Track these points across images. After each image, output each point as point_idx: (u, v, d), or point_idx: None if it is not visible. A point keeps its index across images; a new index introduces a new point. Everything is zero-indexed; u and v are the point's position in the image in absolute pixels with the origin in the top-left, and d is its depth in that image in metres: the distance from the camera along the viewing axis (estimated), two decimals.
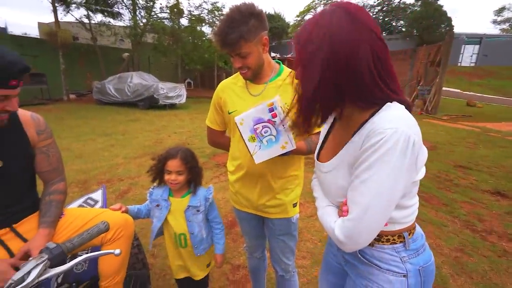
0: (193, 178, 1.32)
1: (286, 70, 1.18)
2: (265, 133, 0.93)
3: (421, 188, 3.50)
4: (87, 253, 1.36)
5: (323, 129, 0.86)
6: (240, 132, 0.95)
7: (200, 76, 19.08)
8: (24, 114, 1.09)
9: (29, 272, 0.58)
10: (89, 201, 1.65)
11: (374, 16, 24.77)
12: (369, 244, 0.74)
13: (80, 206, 1.57)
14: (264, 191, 1.20)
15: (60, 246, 0.66)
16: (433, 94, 9.82)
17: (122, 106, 10.06)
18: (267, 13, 20.59)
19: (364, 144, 0.61)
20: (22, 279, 0.57)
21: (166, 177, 1.27)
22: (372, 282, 0.73)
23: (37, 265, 0.59)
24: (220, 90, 1.25)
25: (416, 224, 0.76)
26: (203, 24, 14.06)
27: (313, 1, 26.79)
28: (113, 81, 10.33)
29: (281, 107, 0.94)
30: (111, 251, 0.68)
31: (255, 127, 0.93)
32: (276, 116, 0.91)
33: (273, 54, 15.30)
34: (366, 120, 0.64)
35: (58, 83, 11.18)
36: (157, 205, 1.33)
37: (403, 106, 0.64)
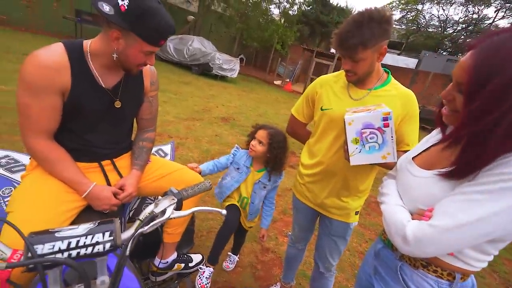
0: (271, 159, 1.46)
1: (393, 82, 1.15)
2: (370, 139, 0.93)
3: None
4: (153, 200, 1.53)
5: (433, 136, 0.83)
6: (345, 131, 0.96)
7: (254, 55, 19.03)
8: None
9: (164, 210, 0.68)
10: (160, 152, 1.81)
11: (454, 34, 22.42)
12: (413, 266, 0.73)
13: (153, 154, 1.74)
14: (334, 192, 1.23)
15: (180, 193, 0.75)
16: None
17: (177, 66, 10.46)
18: (339, 5, 19.57)
19: (494, 168, 0.56)
20: (161, 214, 0.67)
21: (251, 141, 1.48)
22: None
23: (170, 205, 0.69)
24: (319, 85, 1.26)
25: (472, 276, 0.72)
26: (271, 3, 13.81)
27: (390, 3, 24.94)
28: (174, 40, 10.70)
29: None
30: (219, 210, 0.76)
31: (362, 130, 0.93)
32: (388, 126, 0.90)
33: (332, 50, 14.68)
34: None
35: None
36: (238, 168, 1.52)
37: None
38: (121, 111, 1.11)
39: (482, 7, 20.59)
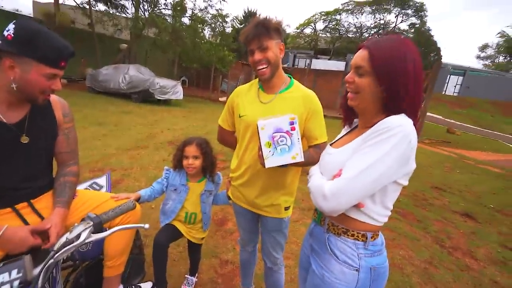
0: (207, 165, 1.50)
1: (296, 84, 1.33)
2: (281, 142, 1.03)
3: (399, 204, 3.74)
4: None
5: (345, 130, 1.03)
6: (259, 136, 1.05)
7: (196, 75, 19.09)
8: (52, 96, 1.16)
9: (79, 235, 0.69)
10: (94, 185, 1.74)
11: (370, 37, 25.86)
12: (336, 234, 0.87)
13: (86, 189, 1.65)
14: (262, 192, 1.34)
15: (99, 216, 0.77)
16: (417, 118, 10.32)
17: (115, 97, 9.95)
18: None
19: (372, 130, 0.77)
20: (75, 239, 0.68)
21: (184, 162, 1.47)
22: (329, 272, 0.86)
23: (85, 229, 0.70)
24: (235, 95, 1.39)
25: (381, 233, 0.89)
26: (205, 25, 14.16)
27: (313, 16, 27.75)
28: (108, 70, 10.22)
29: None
30: (141, 225, 0.79)
31: (273, 134, 1.03)
32: (294, 130, 1.03)
33: None
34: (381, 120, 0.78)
35: None
36: (175, 189, 1.50)
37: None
38: (31, 146, 1.06)
39: (385, 14, 24.67)
